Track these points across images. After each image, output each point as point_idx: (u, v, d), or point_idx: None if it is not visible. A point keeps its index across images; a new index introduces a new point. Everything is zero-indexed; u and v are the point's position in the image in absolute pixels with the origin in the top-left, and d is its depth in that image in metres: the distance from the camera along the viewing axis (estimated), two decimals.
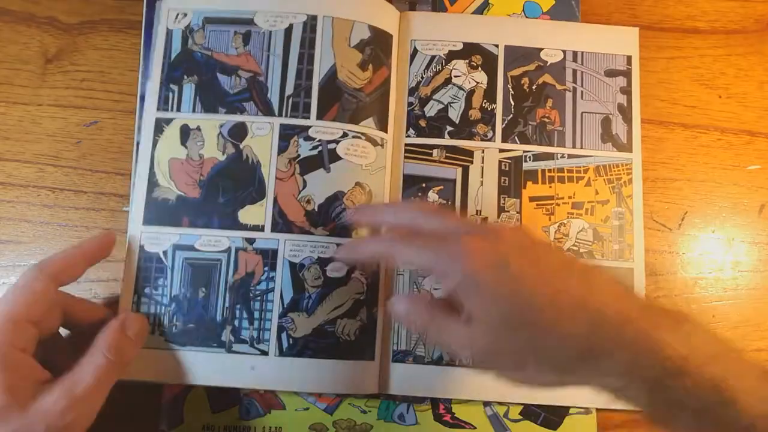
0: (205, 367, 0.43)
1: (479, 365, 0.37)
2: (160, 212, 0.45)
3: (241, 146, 0.45)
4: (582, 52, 0.49)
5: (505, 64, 0.49)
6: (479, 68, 0.49)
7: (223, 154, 0.45)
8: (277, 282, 0.44)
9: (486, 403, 0.45)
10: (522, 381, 0.35)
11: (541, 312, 0.32)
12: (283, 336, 0.43)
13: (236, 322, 0.43)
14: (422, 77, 0.49)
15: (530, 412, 0.45)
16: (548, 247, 0.39)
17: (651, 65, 0.51)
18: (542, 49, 0.49)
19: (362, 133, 0.46)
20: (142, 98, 0.47)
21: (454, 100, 0.49)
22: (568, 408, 0.45)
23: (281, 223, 0.44)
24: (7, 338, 0.36)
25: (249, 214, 0.45)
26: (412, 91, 0.49)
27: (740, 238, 0.48)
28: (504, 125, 0.48)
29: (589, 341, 0.32)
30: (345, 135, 0.46)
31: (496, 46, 0.49)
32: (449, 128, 0.48)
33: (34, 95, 0.49)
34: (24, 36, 0.49)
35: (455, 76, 0.49)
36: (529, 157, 0.48)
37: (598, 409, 0.45)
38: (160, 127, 0.46)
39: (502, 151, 0.48)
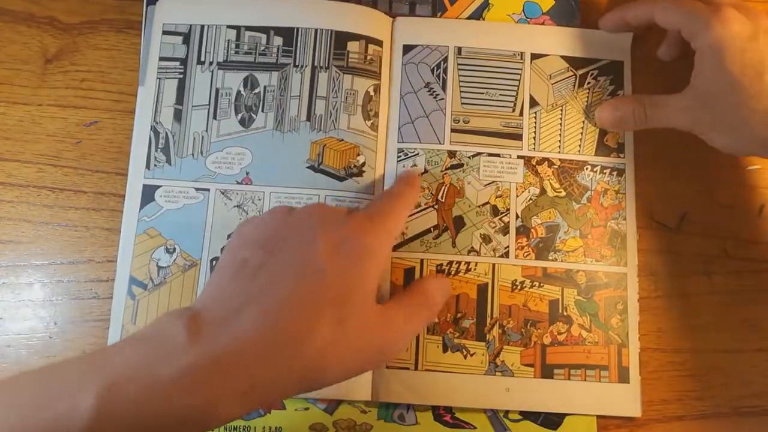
0: None
1: (695, 130, 0.44)
2: None
3: None
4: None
5: None
6: None
7: None
8: None
9: None
10: (731, 149, 0.43)
11: None
12: None
13: None
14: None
15: (530, 412, 0.45)
16: None
17: (651, 65, 0.50)
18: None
19: None
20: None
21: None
22: None
23: None
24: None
25: None
26: None
27: (740, 238, 0.48)
28: None
29: None
30: None
31: None
32: None
33: (34, 95, 0.49)
34: (24, 36, 0.49)
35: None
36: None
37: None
38: None
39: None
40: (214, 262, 0.44)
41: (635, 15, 0.46)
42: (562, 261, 0.46)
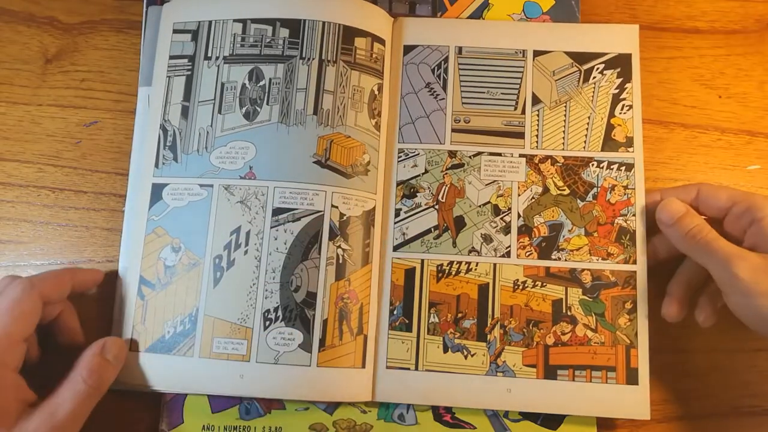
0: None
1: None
2: None
3: None
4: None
5: None
6: None
7: None
8: None
9: None
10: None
11: None
12: None
13: None
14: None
15: (530, 412, 0.45)
16: None
17: (651, 65, 0.51)
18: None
19: None
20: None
21: None
22: None
23: None
24: (0, 358, 0.36)
25: None
26: None
27: None
28: None
29: None
30: None
31: None
32: None
33: (34, 95, 0.49)
34: (24, 36, 0.49)
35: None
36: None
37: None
38: None
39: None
40: (216, 260, 0.44)
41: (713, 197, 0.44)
42: (565, 260, 0.46)
